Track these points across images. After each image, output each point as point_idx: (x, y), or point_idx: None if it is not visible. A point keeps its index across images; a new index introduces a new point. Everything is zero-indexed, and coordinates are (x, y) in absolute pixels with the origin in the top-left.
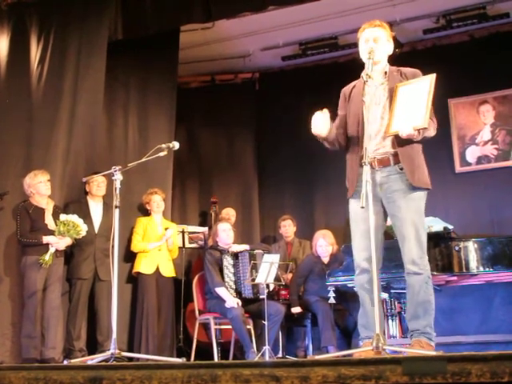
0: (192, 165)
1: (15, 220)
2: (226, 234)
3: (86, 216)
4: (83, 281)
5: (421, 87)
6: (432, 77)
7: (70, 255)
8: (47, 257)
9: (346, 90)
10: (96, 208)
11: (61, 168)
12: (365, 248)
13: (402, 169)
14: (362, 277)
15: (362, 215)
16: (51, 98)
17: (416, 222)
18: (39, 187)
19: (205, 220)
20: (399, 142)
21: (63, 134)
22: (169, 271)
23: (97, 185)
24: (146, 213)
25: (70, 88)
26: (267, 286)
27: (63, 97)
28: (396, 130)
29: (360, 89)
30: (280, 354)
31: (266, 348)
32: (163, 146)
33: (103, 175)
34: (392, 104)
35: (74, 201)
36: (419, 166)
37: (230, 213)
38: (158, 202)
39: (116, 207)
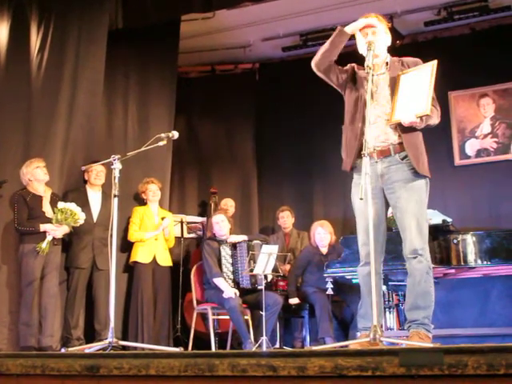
0: (191, 155)
1: (12, 208)
2: (218, 226)
3: (84, 205)
4: (81, 270)
5: (422, 74)
6: (433, 64)
7: (68, 244)
8: (44, 244)
9: (356, 67)
10: (95, 197)
11: (60, 157)
12: (367, 242)
13: (403, 158)
14: (365, 268)
15: (364, 210)
16: (51, 87)
17: (417, 213)
18: (36, 172)
19: (204, 210)
20: (402, 130)
21: (62, 123)
22: (165, 260)
23: (95, 174)
24: (143, 202)
25: (70, 77)
26: (265, 276)
27: (63, 86)
28: (398, 119)
29: (363, 77)
30: (277, 345)
31: (264, 338)
32: (162, 135)
33: (102, 164)
34: (394, 93)
35: (72, 189)
36: (422, 153)
37: (228, 203)
38: (154, 191)
39: (115, 196)
